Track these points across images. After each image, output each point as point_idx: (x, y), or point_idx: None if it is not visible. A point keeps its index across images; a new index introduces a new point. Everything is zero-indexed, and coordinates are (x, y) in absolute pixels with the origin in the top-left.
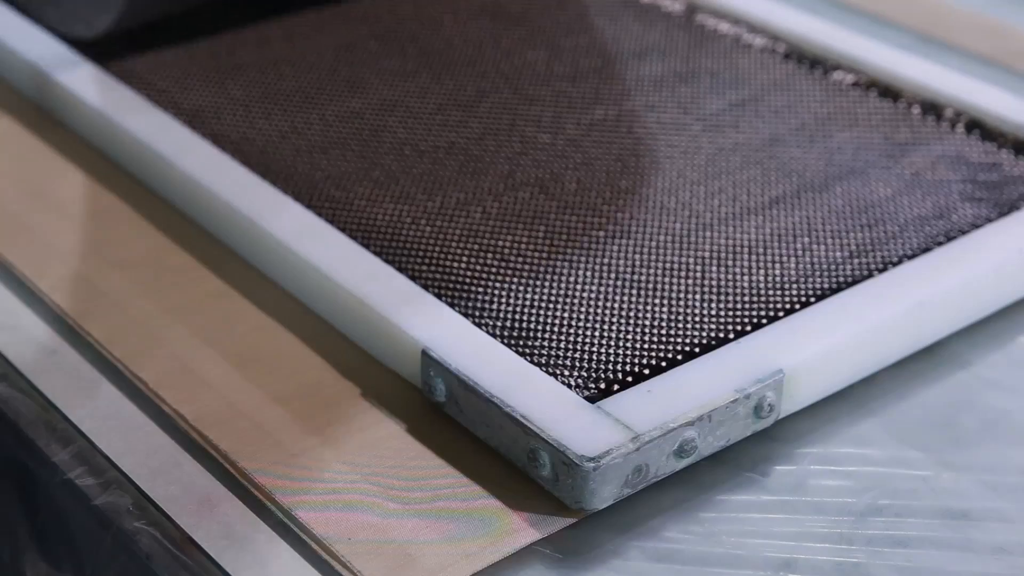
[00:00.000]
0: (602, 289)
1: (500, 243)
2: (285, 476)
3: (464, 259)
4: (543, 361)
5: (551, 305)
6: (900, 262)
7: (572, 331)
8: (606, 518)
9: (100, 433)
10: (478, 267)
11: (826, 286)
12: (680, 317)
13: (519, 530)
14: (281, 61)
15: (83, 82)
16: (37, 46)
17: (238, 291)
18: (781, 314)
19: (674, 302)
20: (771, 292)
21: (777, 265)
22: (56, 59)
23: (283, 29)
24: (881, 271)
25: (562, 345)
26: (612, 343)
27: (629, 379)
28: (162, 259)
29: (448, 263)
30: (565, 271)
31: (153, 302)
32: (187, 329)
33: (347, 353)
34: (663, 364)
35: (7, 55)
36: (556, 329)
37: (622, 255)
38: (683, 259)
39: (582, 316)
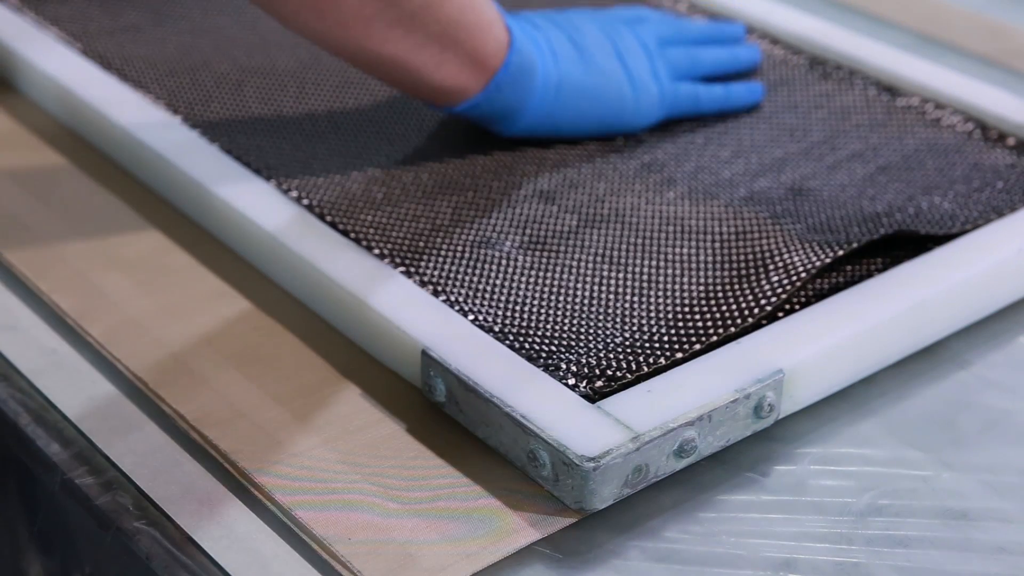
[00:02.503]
0: (602, 288)
1: (498, 241)
2: (285, 476)
3: (463, 259)
4: (543, 361)
5: (551, 305)
6: (900, 262)
7: (572, 331)
8: (606, 518)
9: (100, 433)
10: (477, 267)
11: (826, 286)
12: (681, 316)
13: (519, 530)
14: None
15: (83, 82)
16: (41, 48)
17: (238, 291)
18: (780, 314)
19: (675, 301)
20: (771, 289)
21: (779, 261)
22: (57, 59)
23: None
24: (881, 271)
25: (562, 345)
26: (612, 342)
27: (628, 376)
28: (162, 259)
29: (448, 263)
30: (564, 270)
31: (153, 302)
32: (187, 329)
33: (347, 353)
34: (663, 364)
35: (9, 56)
36: (556, 329)
37: (623, 255)
38: (684, 258)
39: (582, 315)
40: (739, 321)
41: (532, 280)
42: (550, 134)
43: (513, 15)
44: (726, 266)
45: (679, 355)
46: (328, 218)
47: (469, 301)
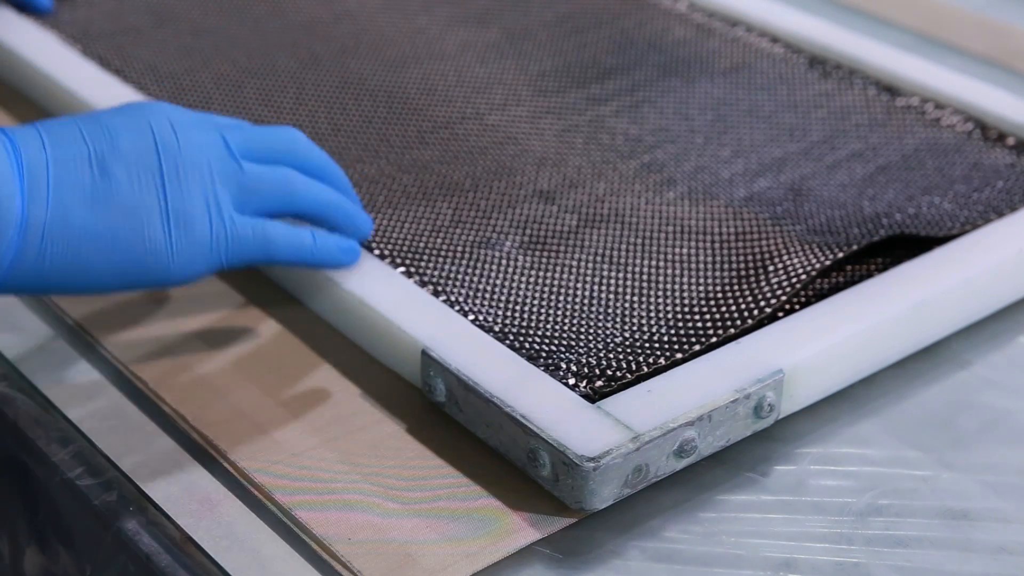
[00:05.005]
0: (602, 288)
1: (498, 241)
2: (285, 476)
3: (463, 259)
4: (543, 361)
5: (551, 304)
6: (900, 262)
7: (572, 331)
8: (606, 518)
9: (100, 433)
10: (477, 267)
11: (826, 286)
12: (681, 317)
13: (519, 530)
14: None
15: (83, 84)
16: (41, 49)
17: (238, 292)
18: (780, 314)
19: (675, 302)
20: (771, 291)
21: (779, 262)
22: (58, 61)
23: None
24: (881, 271)
25: (562, 345)
26: (612, 342)
27: (628, 376)
28: None
29: (448, 263)
30: (564, 270)
31: (153, 303)
32: (187, 329)
33: (347, 353)
34: (663, 364)
35: (9, 57)
36: (556, 329)
37: (623, 255)
38: (684, 258)
39: (582, 315)
40: (738, 323)
41: (532, 280)
42: (44, 291)
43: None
44: (726, 267)
45: (679, 355)
46: None
47: (469, 301)
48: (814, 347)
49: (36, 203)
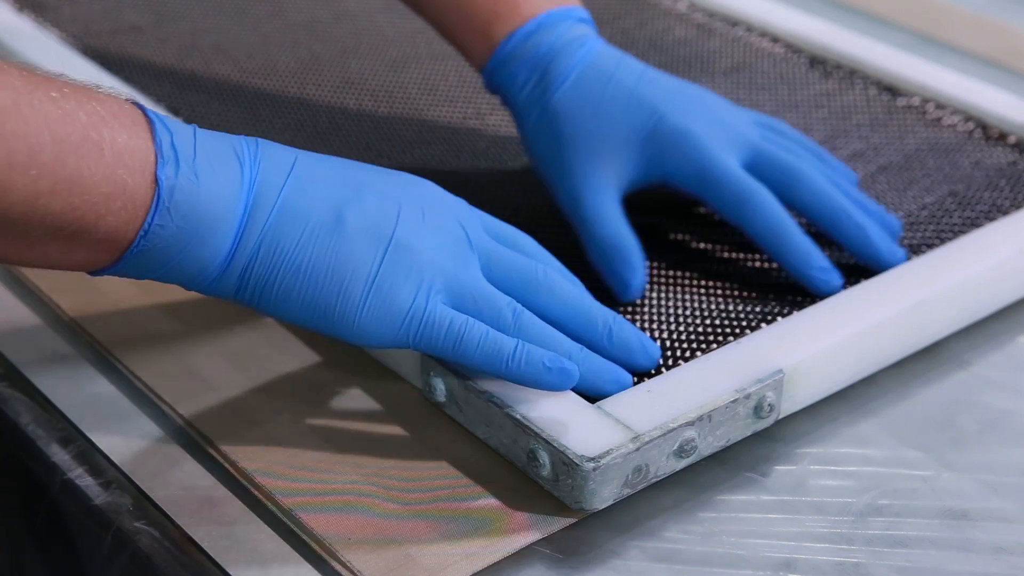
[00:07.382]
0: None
1: None
2: (285, 476)
3: None
4: None
5: None
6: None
7: None
8: (606, 518)
9: (100, 433)
10: None
11: None
12: (683, 318)
13: (519, 530)
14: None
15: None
16: (42, 49)
17: None
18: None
19: (676, 302)
20: (771, 292)
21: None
22: (58, 60)
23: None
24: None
25: None
26: None
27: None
28: None
29: None
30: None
31: (153, 302)
32: (187, 329)
33: (347, 353)
34: (663, 364)
35: (9, 57)
36: None
37: None
38: (683, 258)
39: None
40: (742, 325)
41: None
42: (252, 304)
43: (281, 151)
44: (727, 266)
45: (680, 358)
46: None
47: None
48: (814, 347)
49: (255, 221)
